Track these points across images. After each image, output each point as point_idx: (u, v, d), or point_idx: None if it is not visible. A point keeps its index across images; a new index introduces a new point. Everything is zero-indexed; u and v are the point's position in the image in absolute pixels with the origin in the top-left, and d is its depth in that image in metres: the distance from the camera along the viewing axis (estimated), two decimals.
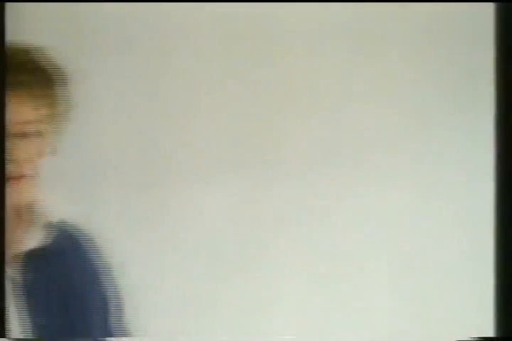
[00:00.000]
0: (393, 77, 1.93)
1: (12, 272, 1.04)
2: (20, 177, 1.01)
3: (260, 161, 1.79)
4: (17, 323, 1.03)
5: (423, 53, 2.01)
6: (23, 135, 1.01)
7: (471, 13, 1.96)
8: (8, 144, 0.98)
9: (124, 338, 1.19)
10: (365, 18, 1.99)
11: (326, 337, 1.83)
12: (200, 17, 1.74)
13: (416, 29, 2.04)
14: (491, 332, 1.26)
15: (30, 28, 1.55)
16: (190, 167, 1.73)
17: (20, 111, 1.00)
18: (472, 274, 1.91)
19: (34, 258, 1.06)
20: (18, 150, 1.00)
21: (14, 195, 1.00)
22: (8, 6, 1.28)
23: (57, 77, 1.06)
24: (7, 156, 0.98)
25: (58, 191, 1.17)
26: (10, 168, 0.98)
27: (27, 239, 1.06)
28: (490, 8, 1.38)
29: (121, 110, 1.69)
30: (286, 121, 1.81)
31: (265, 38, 1.81)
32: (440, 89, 1.97)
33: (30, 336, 1.04)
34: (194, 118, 1.74)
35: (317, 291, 1.85)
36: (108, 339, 1.16)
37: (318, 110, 1.84)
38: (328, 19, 1.89)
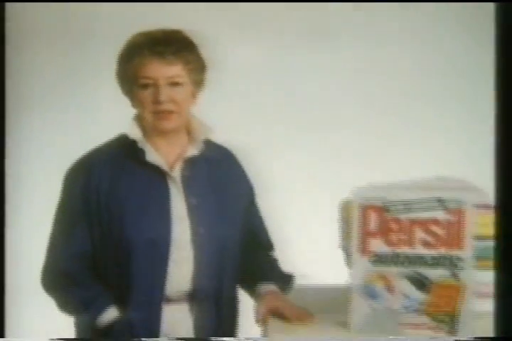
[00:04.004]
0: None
1: (180, 171, 1.49)
2: (170, 112, 1.45)
3: None
4: None
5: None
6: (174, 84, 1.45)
7: (471, 13, 1.97)
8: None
9: None
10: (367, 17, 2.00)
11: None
12: None
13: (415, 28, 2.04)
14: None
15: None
16: None
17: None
18: None
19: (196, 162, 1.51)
20: (171, 95, 1.44)
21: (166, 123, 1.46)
22: (8, 6, 1.29)
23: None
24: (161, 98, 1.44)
25: None
26: (165, 106, 1.44)
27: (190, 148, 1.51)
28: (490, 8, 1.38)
29: None
30: None
31: None
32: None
33: None
34: None
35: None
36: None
37: None
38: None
